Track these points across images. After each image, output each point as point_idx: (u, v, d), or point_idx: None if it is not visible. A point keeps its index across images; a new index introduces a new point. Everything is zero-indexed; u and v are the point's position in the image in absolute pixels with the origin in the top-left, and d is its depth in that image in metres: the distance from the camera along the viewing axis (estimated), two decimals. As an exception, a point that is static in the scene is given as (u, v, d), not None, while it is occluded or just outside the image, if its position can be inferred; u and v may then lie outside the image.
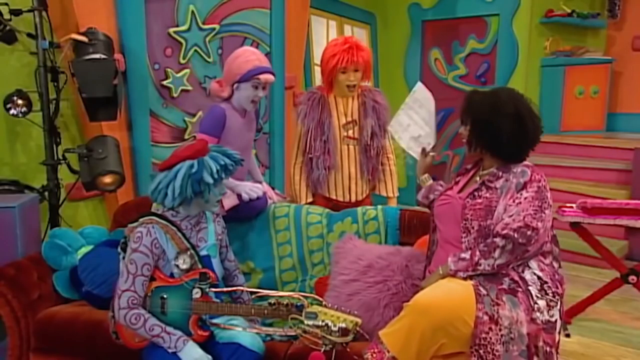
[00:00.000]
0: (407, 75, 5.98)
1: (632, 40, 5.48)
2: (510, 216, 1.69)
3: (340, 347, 1.72)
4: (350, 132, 2.71)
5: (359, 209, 2.39)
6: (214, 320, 1.89)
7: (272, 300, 1.82)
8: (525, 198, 1.70)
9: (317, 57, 5.19)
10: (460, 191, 1.88)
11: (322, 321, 1.71)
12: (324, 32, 5.30)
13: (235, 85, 2.37)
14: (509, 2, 5.21)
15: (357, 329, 1.71)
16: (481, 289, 1.67)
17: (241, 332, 1.87)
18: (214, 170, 1.86)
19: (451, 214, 1.83)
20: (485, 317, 1.62)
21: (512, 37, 5.24)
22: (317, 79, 5.20)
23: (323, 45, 5.37)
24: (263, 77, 2.33)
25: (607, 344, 2.85)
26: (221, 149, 1.98)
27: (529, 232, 1.66)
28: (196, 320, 1.87)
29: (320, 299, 1.80)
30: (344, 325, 1.69)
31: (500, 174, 1.79)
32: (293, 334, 1.79)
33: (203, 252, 1.97)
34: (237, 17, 3.76)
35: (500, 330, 1.62)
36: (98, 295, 2.18)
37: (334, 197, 2.75)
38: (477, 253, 1.71)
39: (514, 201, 1.71)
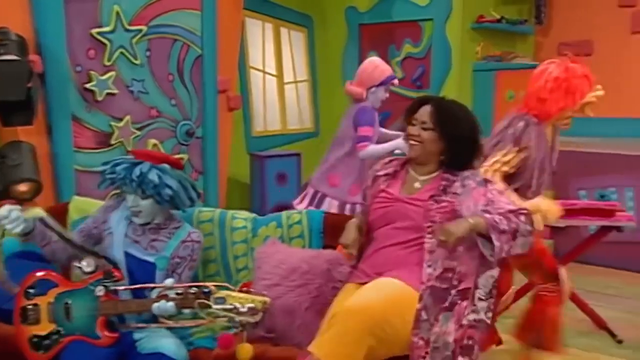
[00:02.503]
0: (345, 78, 6.06)
1: (557, 46, 5.81)
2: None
3: (250, 328, 1.77)
4: None
5: (284, 212, 2.44)
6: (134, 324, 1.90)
7: (180, 290, 1.83)
8: (501, 187, 1.89)
9: (252, 60, 5.23)
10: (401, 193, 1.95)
11: (231, 304, 1.74)
12: (260, 35, 5.34)
13: (371, 89, 3.18)
14: (442, 7, 5.41)
15: (267, 307, 1.75)
16: (423, 314, 1.74)
17: (164, 340, 1.88)
18: (124, 175, 1.97)
19: (398, 216, 1.90)
20: (421, 342, 1.71)
21: (446, 42, 5.45)
22: (253, 83, 5.24)
23: (259, 47, 5.43)
24: (395, 81, 3.32)
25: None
26: (169, 173, 2.04)
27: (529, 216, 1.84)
28: (103, 322, 1.86)
29: (227, 285, 1.84)
30: (252, 305, 1.73)
31: (451, 177, 1.90)
32: (204, 322, 1.81)
33: (149, 259, 2.02)
34: (165, 19, 3.73)
35: (428, 346, 1.72)
36: (8, 309, 2.12)
37: None
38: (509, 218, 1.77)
39: (492, 193, 1.84)
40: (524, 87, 5.38)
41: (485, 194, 1.83)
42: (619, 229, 2.98)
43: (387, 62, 5.88)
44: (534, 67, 5.49)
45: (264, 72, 5.39)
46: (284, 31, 5.62)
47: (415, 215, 1.87)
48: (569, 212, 2.95)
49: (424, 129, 1.91)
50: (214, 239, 2.39)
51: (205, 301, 1.76)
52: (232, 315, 1.73)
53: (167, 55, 3.79)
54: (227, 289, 1.82)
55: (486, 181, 1.89)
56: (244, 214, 2.49)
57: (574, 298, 3.20)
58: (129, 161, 2.04)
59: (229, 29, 4.25)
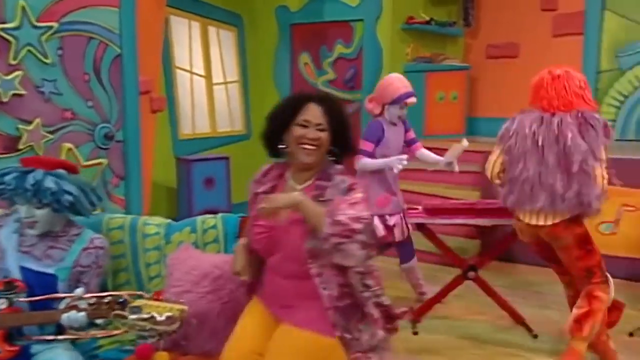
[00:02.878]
0: (277, 79, 6.12)
1: (485, 48, 6.07)
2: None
3: (168, 336, 1.75)
4: None
5: (199, 217, 2.44)
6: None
7: (92, 300, 1.80)
8: (358, 197, 1.77)
9: (178, 60, 5.17)
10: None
11: (148, 313, 1.72)
12: (186, 34, 5.29)
13: (385, 107, 3.33)
14: (372, 8, 5.54)
15: (185, 315, 1.75)
16: (346, 335, 1.76)
17: (58, 352, 1.84)
18: (15, 185, 1.91)
19: (277, 247, 1.81)
20: (360, 354, 1.76)
21: (377, 43, 5.58)
22: (180, 84, 5.18)
23: (185, 47, 5.36)
24: (409, 100, 3.33)
25: (450, 338, 3.15)
26: (66, 179, 2.00)
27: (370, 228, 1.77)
28: (3, 335, 1.81)
29: (142, 293, 1.83)
30: (170, 313, 1.72)
31: (323, 184, 1.83)
32: (117, 333, 1.78)
33: (48, 270, 1.95)
34: (79, 15, 3.63)
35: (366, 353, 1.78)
36: None
37: None
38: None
39: (345, 203, 1.74)
40: (454, 88, 5.74)
41: (340, 203, 1.75)
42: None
43: (319, 63, 6.04)
44: (463, 68, 5.82)
45: (191, 72, 5.34)
46: (212, 30, 5.59)
47: (292, 248, 1.77)
48: (487, 212, 3.10)
49: (321, 130, 1.83)
50: (124, 247, 2.36)
51: (121, 312, 1.74)
52: (149, 324, 1.71)
53: (82, 54, 3.69)
54: (141, 297, 1.80)
55: (349, 190, 1.80)
56: (157, 219, 2.46)
57: (494, 296, 3.35)
58: (18, 170, 1.97)
59: (151, 27, 4.18)
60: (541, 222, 2.70)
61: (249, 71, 6.07)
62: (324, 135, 1.83)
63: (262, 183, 1.92)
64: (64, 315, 1.78)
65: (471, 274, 3.24)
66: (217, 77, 5.65)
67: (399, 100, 3.30)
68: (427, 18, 5.66)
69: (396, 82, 3.37)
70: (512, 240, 3.26)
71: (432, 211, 3.13)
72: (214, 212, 2.82)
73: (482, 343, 3.10)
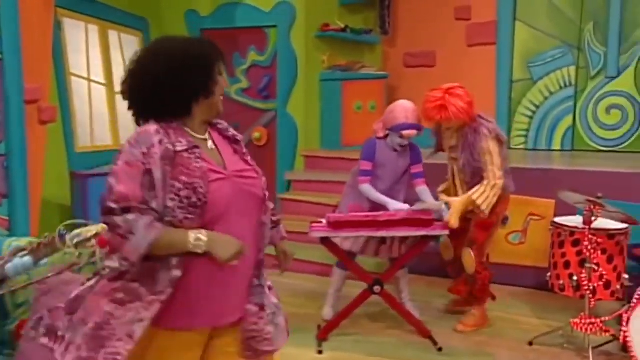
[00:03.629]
0: (186, 87, 6.04)
1: (403, 57, 6.27)
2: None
3: None
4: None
5: (74, 237, 2.36)
6: None
7: (28, 247, 1.91)
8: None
9: (73, 66, 5.00)
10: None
11: (89, 233, 1.85)
12: (83, 38, 5.14)
13: (387, 132, 3.51)
14: (286, 14, 5.60)
15: None
16: (255, 280, 1.72)
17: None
18: None
19: (245, 200, 1.66)
20: (255, 309, 1.69)
21: (291, 50, 5.63)
22: (74, 90, 5.01)
23: (82, 52, 5.19)
24: (405, 132, 3.42)
25: (357, 356, 3.20)
26: None
27: None
28: None
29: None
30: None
31: (221, 126, 1.80)
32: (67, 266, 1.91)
33: None
34: (-49, 16, 3.48)
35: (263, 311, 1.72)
36: None
37: None
38: None
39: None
40: (372, 98, 5.87)
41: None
42: (438, 238, 3.28)
43: (232, 70, 6.02)
44: (381, 77, 5.96)
45: (89, 80, 5.18)
46: (113, 34, 5.46)
47: (259, 191, 1.72)
48: (390, 223, 3.18)
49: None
50: (-15, 273, 2.24)
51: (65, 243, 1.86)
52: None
53: (-45, 59, 3.53)
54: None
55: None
56: (26, 240, 2.36)
57: (401, 310, 3.44)
58: None
59: (37, 30, 4.04)
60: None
61: (156, 79, 5.96)
62: (224, 80, 1.76)
63: (174, 141, 1.60)
64: (8, 266, 1.83)
65: (377, 288, 3.31)
66: (119, 85, 5.50)
67: (395, 130, 3.42)
68: (343, 25, 5.77)
69: (398, 110, 3.47)
70: (414, 252, 3.38)
71: (335, 224, 3.19)
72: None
73: (387, 359, 3.16)
